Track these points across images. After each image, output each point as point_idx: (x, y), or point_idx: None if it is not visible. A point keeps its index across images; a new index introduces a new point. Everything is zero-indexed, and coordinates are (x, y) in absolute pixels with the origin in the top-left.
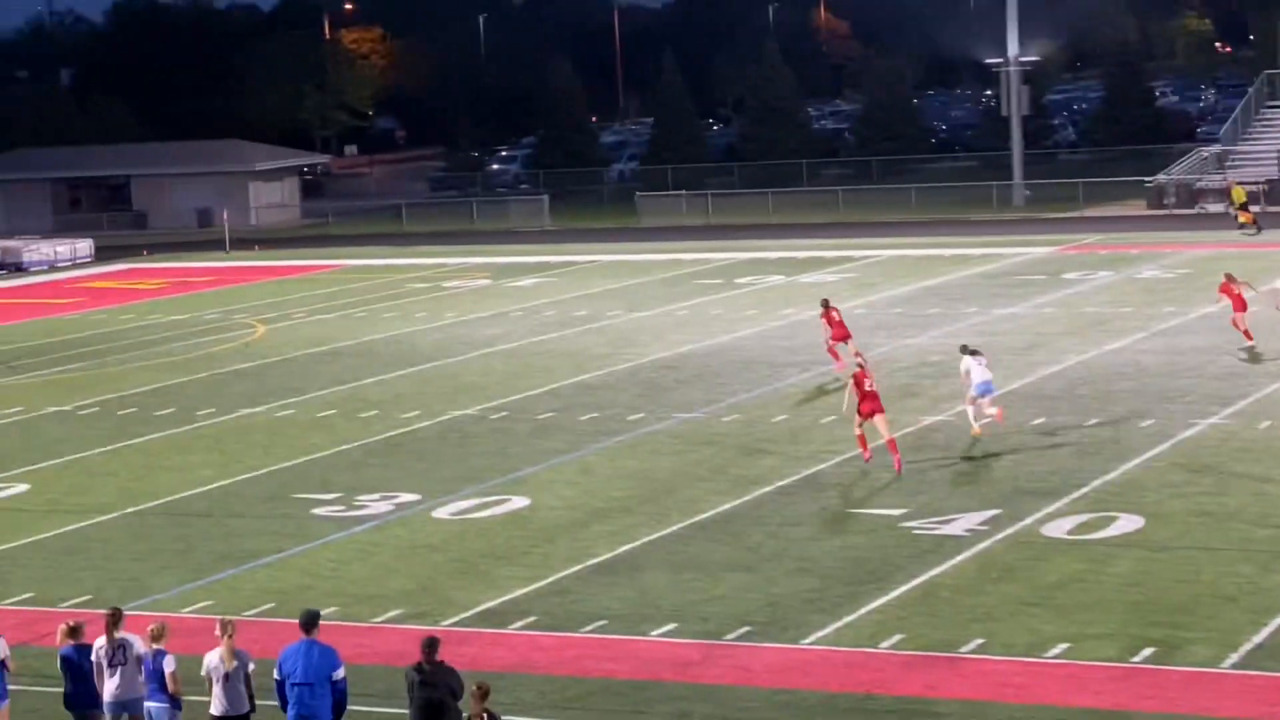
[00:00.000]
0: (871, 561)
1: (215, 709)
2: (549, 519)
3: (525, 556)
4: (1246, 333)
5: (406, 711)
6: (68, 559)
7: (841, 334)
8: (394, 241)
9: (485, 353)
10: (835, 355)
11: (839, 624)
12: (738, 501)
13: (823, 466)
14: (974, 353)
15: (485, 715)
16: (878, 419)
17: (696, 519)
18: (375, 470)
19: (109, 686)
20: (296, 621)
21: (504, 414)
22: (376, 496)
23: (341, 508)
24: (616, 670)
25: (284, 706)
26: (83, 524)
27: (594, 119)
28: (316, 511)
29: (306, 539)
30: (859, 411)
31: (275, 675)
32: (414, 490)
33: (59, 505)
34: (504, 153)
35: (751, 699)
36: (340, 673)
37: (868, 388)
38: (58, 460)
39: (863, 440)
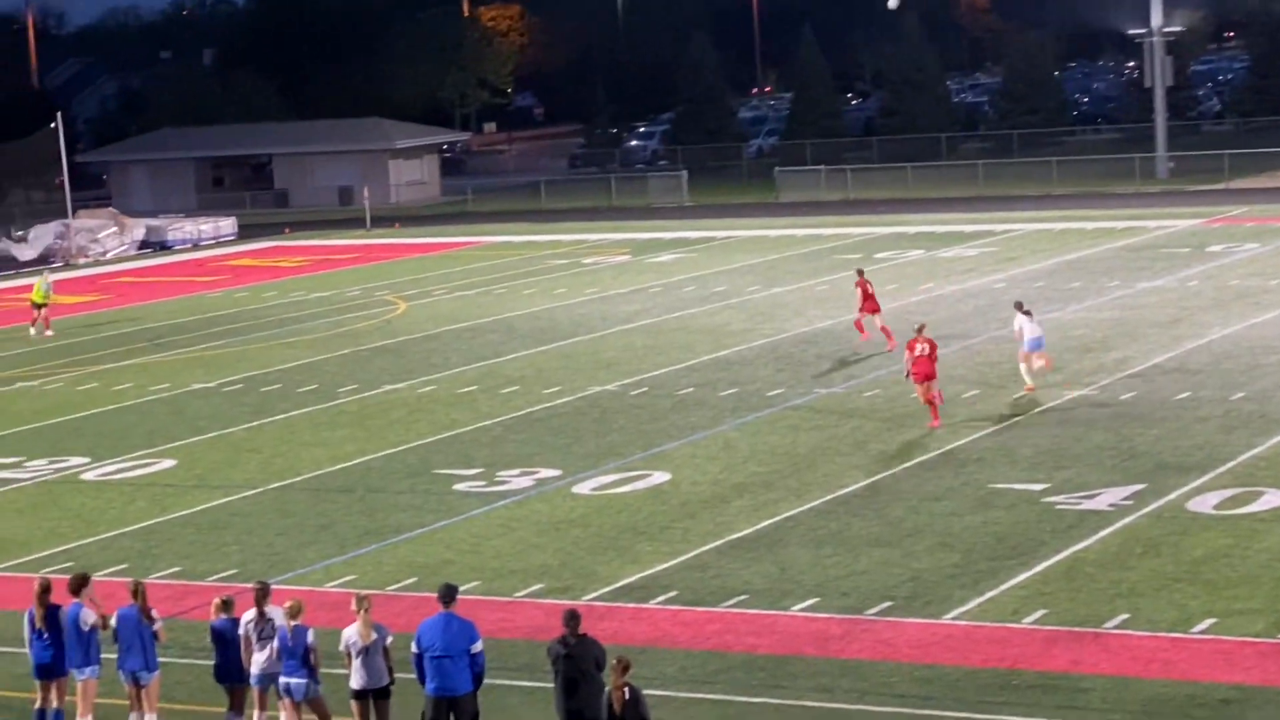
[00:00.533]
0: (1014, 537)
1: (355, 683)
2: (690, 494)
3: (666, 532)
4: None
5: (548, 685)
6: (214, 534)
7: (873, 307)
8: (533, 218)
9: (625, 328)
10: (861, 329)
11: (981, 599)
12: (878, 476)
13: (963, 441)
14: (1026, 311)
15: (626, 689)
16: (930, 384)
17: (837, 494)
18: (516, 446)
19: (257, 659)
20: (436, 595)
21: (644, 389)
22: (517, 472)
23: (483, 483)
24: (758, 645)
25: (422, 680)
26: (228, 499)
27: (732, 95)
28: (458, 487)
29: (448, 514)
30: (913, 377)
31: (413, 649)
32: (555, 466)
33: (205, 481)
34: (642, 129)
35: (893, 674)
36: (478, 645)
37: (917, 353)
38: (203, 436)
39: (928, 401)
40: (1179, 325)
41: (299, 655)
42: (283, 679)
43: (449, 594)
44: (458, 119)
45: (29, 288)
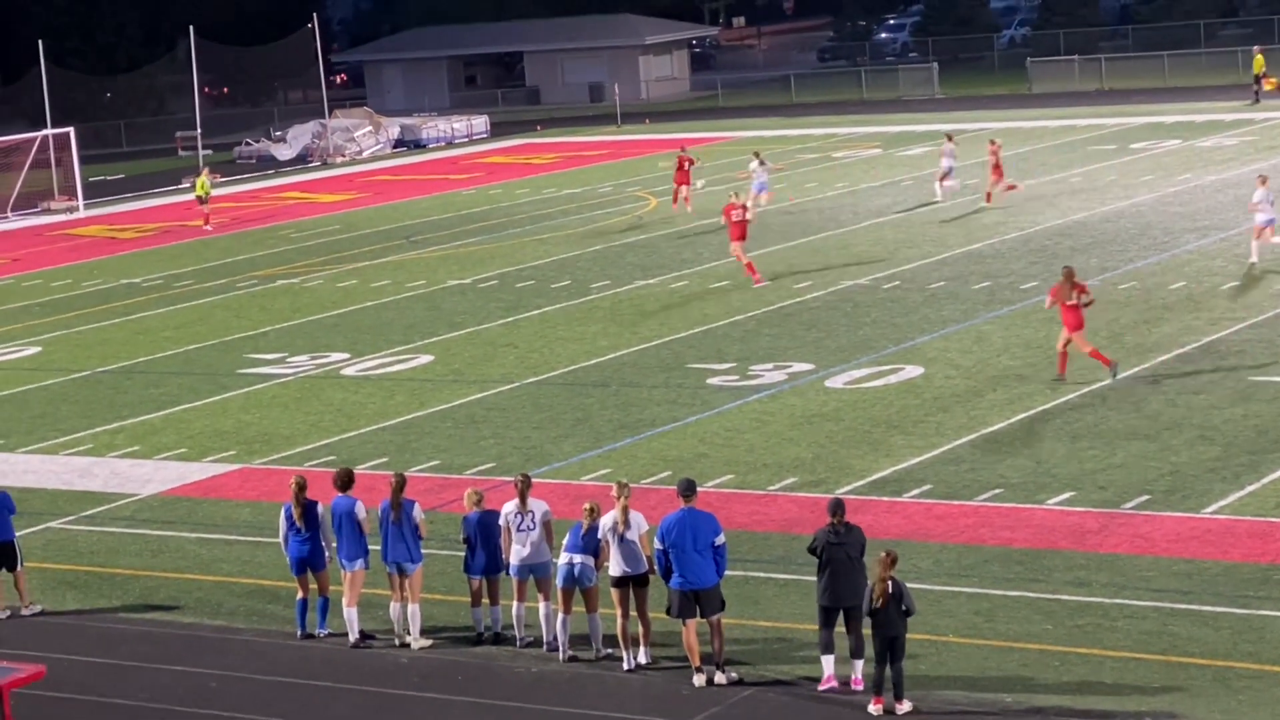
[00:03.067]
0: (1276, 429)
1: (614, 570)
2: (943, 388)
3: (919, 425)
4: None
5: (802, 578)
6: (471, 428)
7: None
8: (783, 113)
9: (876, 222)
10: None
11: (1241, 493)
12: (1136, 370)
13: (1223, 334)
14: (1264, 179)
15: (890, 581)
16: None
17: (1093, 387)
18: (768, 340)
19: (516, 550)
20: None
21: (896, 284)
22: (770, 366)
23: (736, 377)
24: (1013, 539)
25: (665, 576)
26: (484, 394)
27: None
28: (711, 381)
29: (702, 408)
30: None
31: (656, 544)
32: (807, 360)
33: (462, 376)
34: (891, 21)
35: (1151, 569)
36: (721, 538)
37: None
38: (459, 332)
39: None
40: None
41: (592, 546)
42: (573, 559)
43: (689, 488)
44: (706, 14)
45: (289, 187)
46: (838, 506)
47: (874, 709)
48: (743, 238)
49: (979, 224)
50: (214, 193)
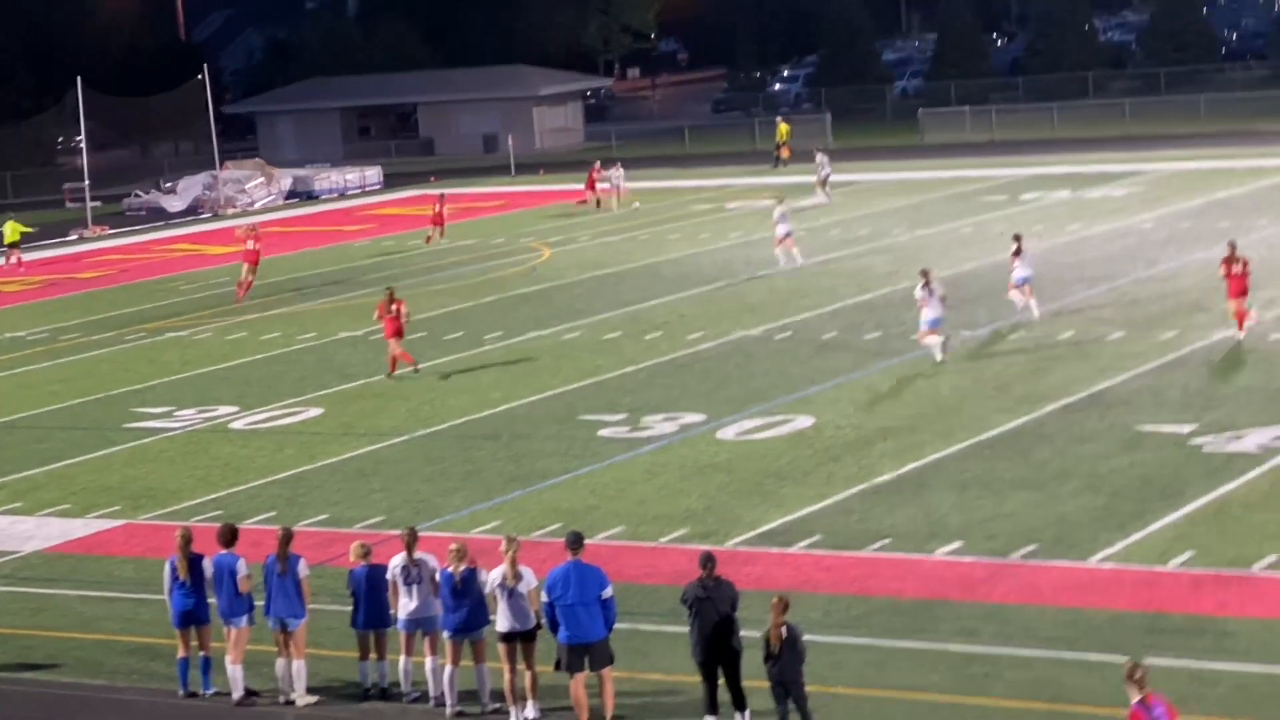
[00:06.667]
0: (1160, 479)
1: (501, 625)
2: (833, 438)
3: (810, 476)
4: None
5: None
6: (361, 481)
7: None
8: (677, 164)
9: (768, 273)
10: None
11: (1127, 542)
12: (1024, 419)
13: (1110, 383)
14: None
15: (785, 628)
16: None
17: (982, 437)
18: (660, 391)
19: (404, 604)
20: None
21: (788, 334)
22: (661, 417)
23: (627, 428)
24: (902, 589)
25: (554, 629)
26: (375, 447)
27: (876, 36)
28: (603, 433)
29: (593, 460)
30: None
31: (544, 598)
32: (699, 410)
33: (353, 429)
34: (786, 72)
35: (1038, 618)
36: (609, 591)
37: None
38: (350, 384)
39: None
40: None
41: (473, 597)
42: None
43: (577, 541)
44: (601, 65)
45: (179, 239)
46: (708, 560)
47: None
48: (400, 335)
49: (871, 274)
50: (104, 244)
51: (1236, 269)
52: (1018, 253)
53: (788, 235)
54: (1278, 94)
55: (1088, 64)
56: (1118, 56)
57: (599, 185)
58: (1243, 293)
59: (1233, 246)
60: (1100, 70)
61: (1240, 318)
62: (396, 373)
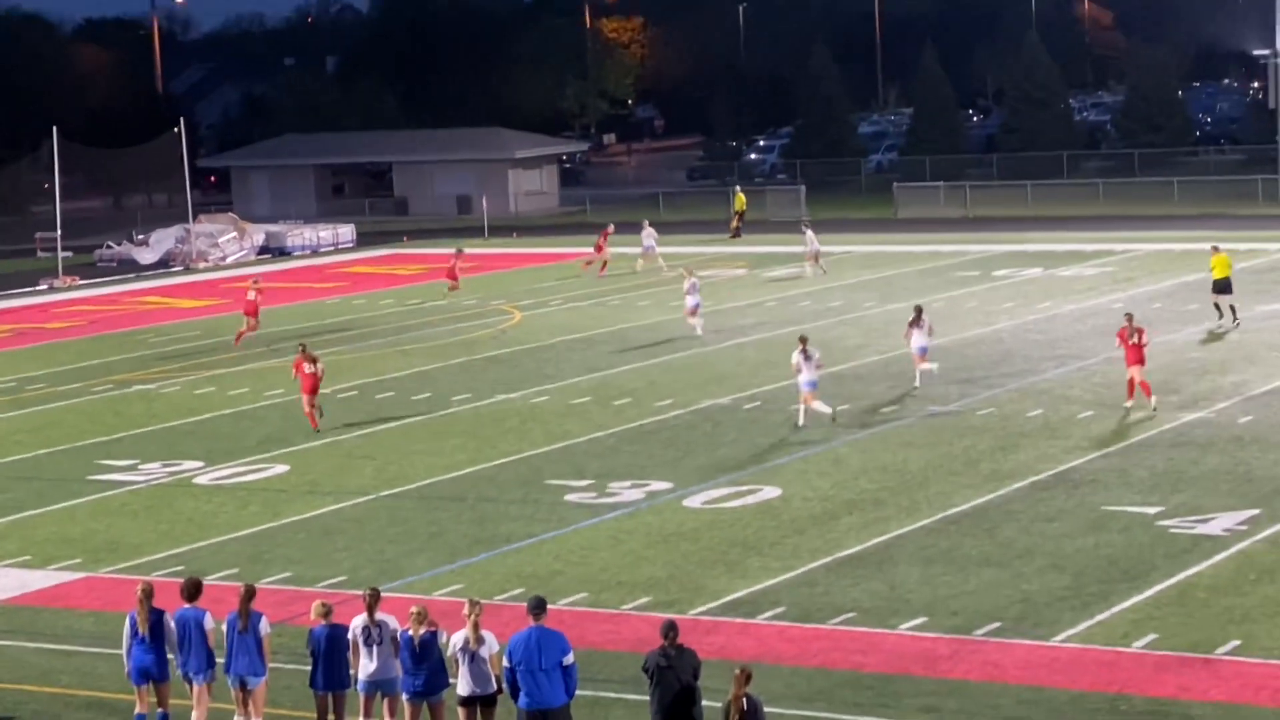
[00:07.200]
0: (1126, 560)
1: (462, 689)
2: (800, 510)
3: (775, 547)
4: None
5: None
6: (325, 540)
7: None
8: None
9: (738, 342)
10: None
11: (1091, 622)
12: (991, 496)
13: (1078, 462)
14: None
15: (746, 699)
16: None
17: (948, 513)
18: (628, 458)
19: (364, 665)
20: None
21: (756, 404)
22: (628, 484)
23: (593, 494)
24: (864, 663)
25: (514, 695)
26: (340, 505)
27: (852, 109)
28: (569, 498)
29: (558, 525)
30: None
31: (505, 663)
32: (665, 478)
33: (318, 487)
34: (761, 142)
35: (1000, 696)
36: (570, 657)
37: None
38: (317, 443)
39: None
40: None
41: (432, 660)
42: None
43: (539, 606)
44: (577, 130)
45: (150, 291)
46: (670, 628)
47: None
48: (314, 391)
49: (840, 346)
50: (74, 295)
51: (1134, 339)
52: (915, 322)
53: (696, 307)
54: (1250, 179)
55: (1063, 143)
56: (1093, 136)
57: (642, 247)
58: (1139, 361)
59: (1130, 318)
60: (1075, 150)
61: (1131, 386)
62: (318, 428)
